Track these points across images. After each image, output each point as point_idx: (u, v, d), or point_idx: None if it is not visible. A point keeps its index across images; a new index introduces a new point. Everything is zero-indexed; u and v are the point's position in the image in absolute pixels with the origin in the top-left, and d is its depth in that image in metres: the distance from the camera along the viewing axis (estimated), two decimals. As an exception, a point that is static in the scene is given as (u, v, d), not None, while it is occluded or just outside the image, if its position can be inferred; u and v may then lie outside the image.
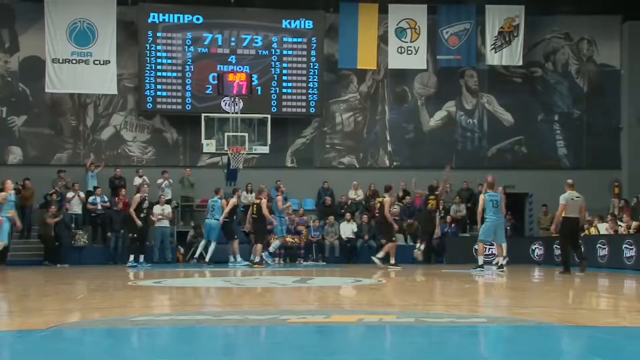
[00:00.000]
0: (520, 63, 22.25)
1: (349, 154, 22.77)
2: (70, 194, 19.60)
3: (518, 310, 7.05)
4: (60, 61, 20.76)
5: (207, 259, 17.36)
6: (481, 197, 14.57)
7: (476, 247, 15.98)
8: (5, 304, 8.05)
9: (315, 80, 21.82)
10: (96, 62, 20.94)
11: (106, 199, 20.02)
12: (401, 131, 22.82)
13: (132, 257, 17.21)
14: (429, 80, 22.93)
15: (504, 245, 14.55)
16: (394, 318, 6.14)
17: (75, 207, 19.56)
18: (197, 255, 18.26)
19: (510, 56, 22.12)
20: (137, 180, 20.39)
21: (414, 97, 22.90)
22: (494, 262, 14.79)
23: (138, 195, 17.64)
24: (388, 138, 22.83)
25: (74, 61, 20.80)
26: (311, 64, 21.80)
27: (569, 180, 14.17)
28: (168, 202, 19.68)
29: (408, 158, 22.78)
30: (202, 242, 18.16)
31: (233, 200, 17.67)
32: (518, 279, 12.43)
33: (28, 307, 7.22)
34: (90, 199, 19.86)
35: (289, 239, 19.44)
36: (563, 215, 13.78)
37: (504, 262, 14.34)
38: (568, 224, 13.73)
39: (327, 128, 22.71)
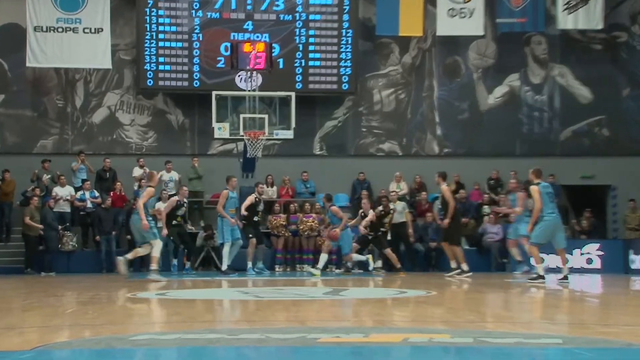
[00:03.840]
0: (601, 27, 21.95)
1: (390, 140, 22.67)
2: (58, 189, 19.74)
3: (600, 329, 6.94)
4: (44, 29, 20.89)
5: (223, 267, 17.24)
6: (534, 189, 14.11)
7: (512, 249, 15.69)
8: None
9: (348, 50, 21.74)
10: (86, 30, 21.04)
11: (97, 194, 20.16)
12: (453, 111, 22.67)
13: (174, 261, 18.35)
14: (487, 48, 22.74)
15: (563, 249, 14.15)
16: (448, 338, 6.07)
17: (63, 204, 19.70)
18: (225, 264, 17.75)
19: (588, 18, 21.81)
20: (137, 172, 20.50)
21: (469, 69, 22.72)
22: (538, 272, 14.16)
23: (175, 198, 18.46)
24: (437, 120, 22.69)
25: (60, 29, 20.94)
26: (343, 30, 21.73)
27: None
28: (171, 196, 19.73)
29: (461, 144, 22.63)
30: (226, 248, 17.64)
31: (251, 197, 17.66)
32: (601, 291, 12.26)
33: (7, 324, 7.26)
34: (79, 194, 20.03)
35: (319, 242, 19.43)
36: None
37: (568, 272, 14.00)
38: None
39: (362, 108, 22.64)
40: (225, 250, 17.16)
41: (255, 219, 17.77)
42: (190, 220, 20.74)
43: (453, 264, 16.01)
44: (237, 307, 9.47)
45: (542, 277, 13.81)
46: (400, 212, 19.17)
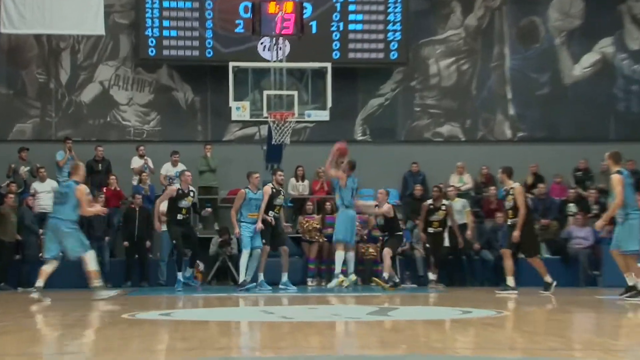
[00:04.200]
0: None
1: (450, 121, 22.62)
2: (37, 184, 19.88)
3: None
4: (21, -12, 21.09)
5: (240, 279, 17.24)
6: (616, 177, 13.90)
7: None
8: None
9: (397, 10, 21.71)
10: (73, -12, 21.21)
11: (87, 190, 20.20)
12: (529, 85, 22.58)
13: (179, 274, 17.44)
14: (572, 6, 22.63)
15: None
16: (524, 370, 6.01)
17: (44, 203, 19.78)
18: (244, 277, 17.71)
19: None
20: (137, 162, 20.61)
21: (549, 33, 22.60)
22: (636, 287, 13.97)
23: (174, 187, 17.54)
24: (509, 96, 22.60)
25: (40, -12, 21.12)
26: (392, -15, 21.72)
27: None
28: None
29: (539, 126, 22.55)
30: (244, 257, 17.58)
31: (266, 188, 17.41)
32: None
33: (-24, 351, 7.31)
34: (62, 188, 20.07)
35: (362, 249, 19.42)
36: None
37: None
38: None
39: (416, 82, 22.60)
40: (243, 260, 17.17)
41: (271, 214, 17.33)
42: (203, 223, 20.79)
43: (547, 278, 15.80)
44: (260, 330, 9.46)
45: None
46: (459, 211, 19.03)
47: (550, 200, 20.87)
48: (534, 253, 16.11)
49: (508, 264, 15.93)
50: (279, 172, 18.10)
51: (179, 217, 17.23)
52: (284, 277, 17.54)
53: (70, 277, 19.33)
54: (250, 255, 17.06)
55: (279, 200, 17.56)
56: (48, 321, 11.06)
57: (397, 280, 17.97)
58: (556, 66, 22.65)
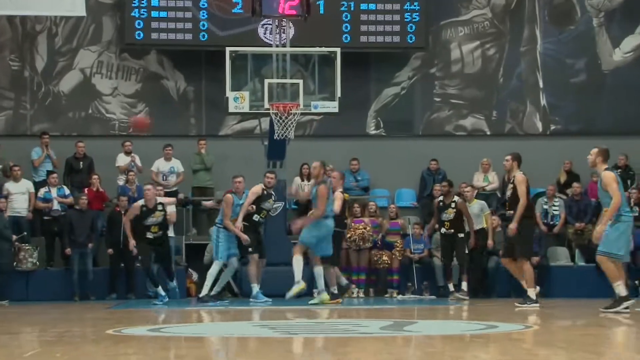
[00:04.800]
0: None
1: (474, 113, 22.66)
2: (10, 185, 19.94)
3: None
4: (-8, -37, 21.17)
5: (203, 292, 17.47)
6: (608, 175, 13.74)
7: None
8: None
9: (415, -12, 21.74)
10: (51, -37, 21.28)
11: (67, 191, 20.26)
12: (564, 72, 22.61)
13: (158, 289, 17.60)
14: (612, -17, 22.66)
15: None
16: (555, 390, 6.08)
17: (18, 206, 19.83)
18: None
19: None
20: (123, 160, 20.66)
21: (586, 13, 22.61)
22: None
23: (138, 204, 17.53)
24: (541, 84, 22.63)
25: (14, -38, 21.19)
26: (409, -40, 21.77)
27: None
28: (172, 195, 19.90)
29: (575, 118, 22.59)
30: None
31: (255, 189, 17.48)
32: None
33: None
34: (42, 191, 20.18)
35: (375, 257, 19.52)
36: None
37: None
38: None
39: (436, 69, 22.64)
40: (213, 271, 17.46)
41: (256, 218, 17.54)
42: (197, 228, 20.87)
43: (531, 292, 15.57)
44: (260, 347, 9.53)
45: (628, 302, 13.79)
46: (477, 215, 18.96)
47: (586, 201, 20.81)
48: (527, 255, 15.83)
49: (526, 269, 15.38)
50: (269, 175, 18.05)
51: (149, 235, 17.35)
52: (256, 287, 17.56)
53: (53, 288, 19.59)
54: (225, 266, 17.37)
55: (267, 205, 17.72)
56: (25, 337, 11.14)
57: (344, 284, 17.96)
58: (593, 51, 22.67)
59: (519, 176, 15.50)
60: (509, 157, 15.92)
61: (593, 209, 20.70)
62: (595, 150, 13.98)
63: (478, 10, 22.70)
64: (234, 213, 17.23)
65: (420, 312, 14.86)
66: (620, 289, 13.83)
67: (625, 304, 13.66)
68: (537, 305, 15.10)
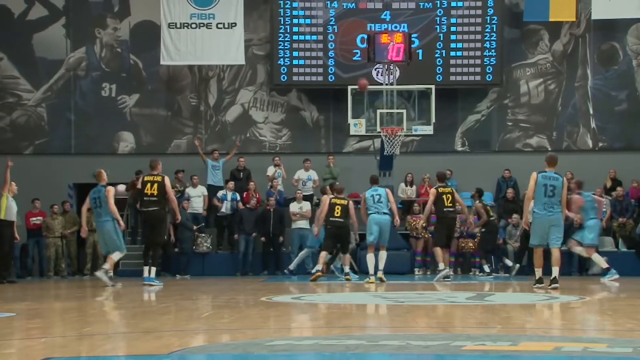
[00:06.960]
0: None
1: (538, 134, 22.29)
2: (190, 189, 20.25)
3: None
4: (178, 26, 21.49)
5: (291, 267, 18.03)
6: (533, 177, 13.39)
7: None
8: (119, 324, 8.49)
9: (493, 39, 21.50)
10: (220, 25, 21.55)
11: (238, 197, 20.43)
12: (609, 101, 22.10)
13: (146, 271, 15.08)
14: (647, 32, 22.09)
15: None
16: (604, 347, 5.95)
17: (196, 205, 20.15)
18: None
19: None
20: (271, 170, 20.84)
21: (627, 55, 22.10)
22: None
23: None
24: (591, 111, 22.16)
25: (193, 25, 21.51)
26: (488, 17, 21.51)
27: None
28: (307, 199, 20.04)
29: (618, 137, 22.05)
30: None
31: (324, 198, 16.47)
32: None
33: (146, 328, 7.56)
34: (220, 193, 20.44)
35: (462, 243, 19.40)
36: None
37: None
38: None
39: (508, 100, 22.35)
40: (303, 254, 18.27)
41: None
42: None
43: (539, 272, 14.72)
44: (376, 312, 9.54)
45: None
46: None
47: (627, 201, 20.44)
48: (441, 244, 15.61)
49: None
50: (327, 189, 16.98)
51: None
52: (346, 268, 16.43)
53: (221, 265, 19.89)
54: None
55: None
56: (201, 303, 11.37)
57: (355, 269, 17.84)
58: (633, 85, 22.13)
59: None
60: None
61: (632, 207, 20.31)
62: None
63: (542, 55, 22.34)
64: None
65: (497, 286, 14.71)
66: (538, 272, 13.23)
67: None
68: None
